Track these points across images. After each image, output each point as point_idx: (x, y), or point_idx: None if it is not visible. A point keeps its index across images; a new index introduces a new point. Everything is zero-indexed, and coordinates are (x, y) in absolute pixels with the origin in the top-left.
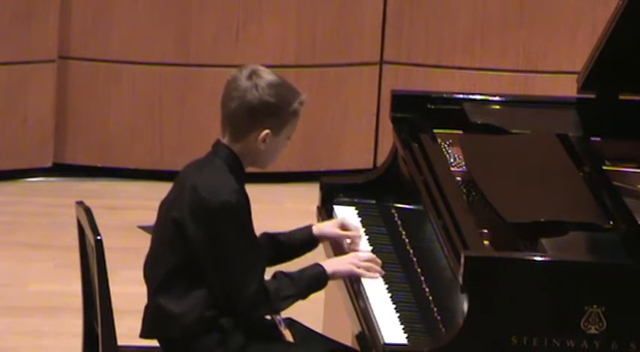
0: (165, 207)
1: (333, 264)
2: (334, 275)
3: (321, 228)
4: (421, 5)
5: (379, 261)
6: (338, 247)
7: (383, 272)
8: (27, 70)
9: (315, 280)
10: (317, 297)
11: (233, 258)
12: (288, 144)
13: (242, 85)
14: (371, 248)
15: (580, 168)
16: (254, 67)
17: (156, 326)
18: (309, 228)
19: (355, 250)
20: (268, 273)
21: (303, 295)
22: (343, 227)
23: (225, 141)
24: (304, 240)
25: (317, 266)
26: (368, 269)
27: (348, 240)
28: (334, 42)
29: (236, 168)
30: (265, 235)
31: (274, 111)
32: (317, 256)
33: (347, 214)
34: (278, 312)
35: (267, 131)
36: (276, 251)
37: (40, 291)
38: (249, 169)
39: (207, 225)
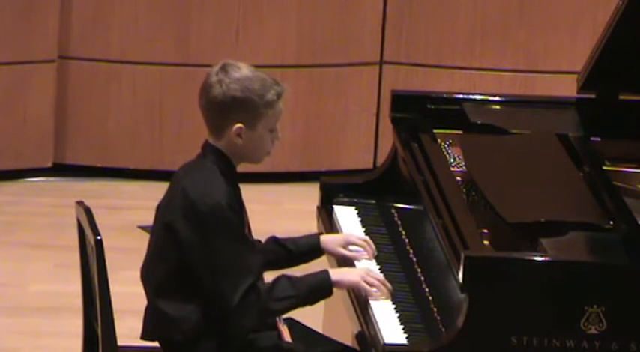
0: (159, 211)
1: (341, 273)
2: (339, 284)
3: (327, 243)
4: (421, 5)
5: (389, 286)
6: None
7: (389, 295)
8: (27, 70)
9: (319, 284)
10: None
11: (223, 261)
12: (277, 136)
13: (210, 80)
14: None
15: (580, 168)
16: (226, 61)
17: (156, 329)
18: (316, 237)
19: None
20: (273, 277)
21: (304, 298)
22: (348, 243)
23: (211, 140)
24: (310, 249)
25: (323, 272)
26: (374, 286)
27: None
28: (334, 42)
29: (226, 168)
30: (272, 239)
31: (242, 105)
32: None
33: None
34: (272, 314)
35: (238, 125)
36: (282, 255)
37: (40, 291)
38: (249, 168)
39: (197, 229)
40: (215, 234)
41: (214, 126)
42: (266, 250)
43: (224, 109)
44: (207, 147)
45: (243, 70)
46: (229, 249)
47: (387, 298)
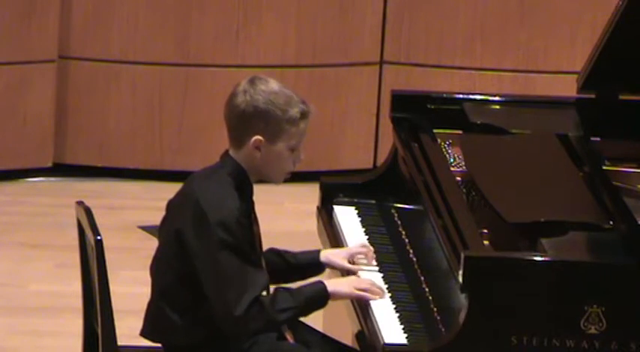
0: (170, 211)
1: (334, 284)
2: (334, 295)
3: (329, 256)
4: (421, 5)
5: (382, 287)
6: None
7: (384, 296)
8: (27, 70)
9: (315, 295)
10: None
11: (226, 273)
12: (300, 158)
13: (237, 90)
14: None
15: (580, 168)
16: (256, 75)
17: (158, 330)
18: (316, 253)
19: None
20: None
21: (302, 309)
22: (352, 256)
23: (231, 151)
24: (310, 263)
25: (318, 283)
26: (368, 291)
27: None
28: (334, 42)
29: (242, 183)
30: (272, 250)
31: (264, 116)
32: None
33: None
34: (277, 325)
35: (257, 137)
36: (281, 268)
37: (40, 291)
38: None
39: (205, 239)
40: (221, 247)
41: (234, 137)
42: (265, 260)
43: (245, 119)
44: (225, 157)
45: (270, 84)
46: (233, 263)
47: (380, 297)
